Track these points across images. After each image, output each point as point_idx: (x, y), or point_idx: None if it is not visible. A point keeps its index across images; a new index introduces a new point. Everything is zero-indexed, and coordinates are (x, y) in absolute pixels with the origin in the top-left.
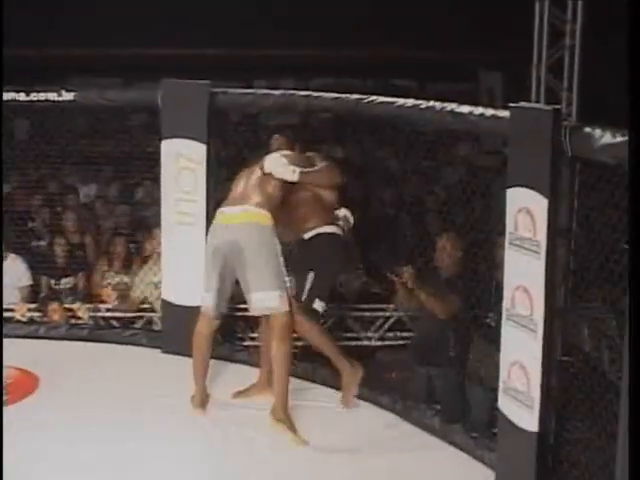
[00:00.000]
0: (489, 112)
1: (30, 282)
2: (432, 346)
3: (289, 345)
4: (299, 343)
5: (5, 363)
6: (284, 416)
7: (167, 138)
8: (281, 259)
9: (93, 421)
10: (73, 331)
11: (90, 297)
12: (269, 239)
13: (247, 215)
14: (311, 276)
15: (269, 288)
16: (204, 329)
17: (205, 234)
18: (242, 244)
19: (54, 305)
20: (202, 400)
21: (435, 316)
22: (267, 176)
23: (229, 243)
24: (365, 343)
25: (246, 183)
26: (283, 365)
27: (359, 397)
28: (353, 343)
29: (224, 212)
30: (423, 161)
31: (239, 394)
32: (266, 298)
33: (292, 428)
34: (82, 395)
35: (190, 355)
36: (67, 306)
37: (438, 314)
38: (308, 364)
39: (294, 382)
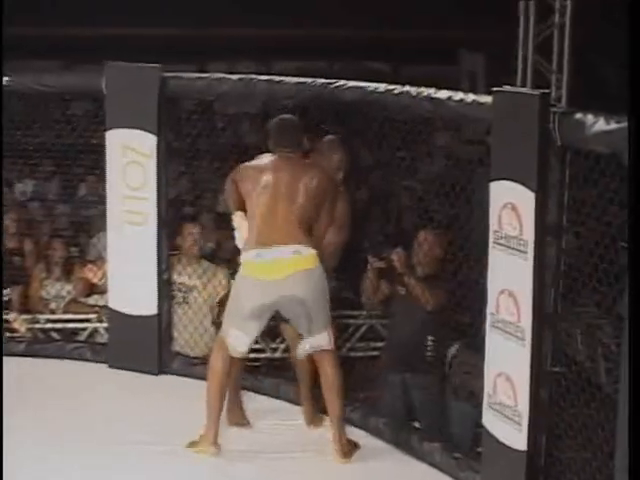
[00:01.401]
0: (470, 97)
1: None
2: (409, 347)
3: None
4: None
5: None
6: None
7: (112, 128)
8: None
9: (29, 456)
10: (8, 346)
11: (28, 307)
12: (323, 282)
13: (300, 261)
14: None
15: (321, 331)
16: (225, 366)
17: (157, 234)
18: (301, 296)
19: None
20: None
21: (413, 313)
22: (314, 193)
23: (284, 298)
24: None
25: (280, 210)
26: (341, 394)
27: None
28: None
29: (262, 258)
30: (397, 152)
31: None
32: (317, 341)
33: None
34: (16, 422)
35: (139, 370)
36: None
37: (426, 305)
38: (273, 379)
39: (260, 399)
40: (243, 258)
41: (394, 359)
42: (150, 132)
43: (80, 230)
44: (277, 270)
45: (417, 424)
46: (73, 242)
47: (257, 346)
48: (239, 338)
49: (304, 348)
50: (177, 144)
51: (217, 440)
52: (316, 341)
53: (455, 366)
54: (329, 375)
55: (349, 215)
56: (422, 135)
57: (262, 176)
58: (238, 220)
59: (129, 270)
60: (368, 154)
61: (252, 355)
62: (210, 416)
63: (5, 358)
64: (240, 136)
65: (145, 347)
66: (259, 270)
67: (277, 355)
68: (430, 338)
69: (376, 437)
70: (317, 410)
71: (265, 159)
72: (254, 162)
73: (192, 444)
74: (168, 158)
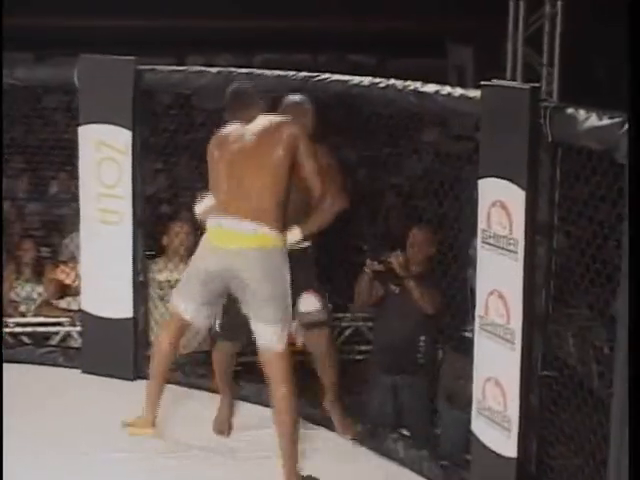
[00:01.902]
0: (458, 92)
1: None
2: (401, 349)
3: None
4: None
5: None
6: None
7: (86, 123)
8: (288, 287)
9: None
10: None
11: None
12: (280, 266)
13: (253, 239)
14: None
15: (268, 323)
16: (171, 346)
17: (132, 234)
18: (244, 276)
19: None
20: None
21: (405, 315)
22: (283, 170)
23: (227, 272)
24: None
25: (247, 177)
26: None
27: (310, 420)
28: (301, 358)
29: (222, 226)
30: (383, 148)
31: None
32: (261, 334)
33: None
34: None
35: (114, 375)
36: None
37: (425, 307)
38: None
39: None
40: (207, 225)
41: (384, 362)
42: (125, 127)
43: (52, 230)
44: (228, 240)
45: (405, 430)
46: (44, 242)
47: None
48: (182, 305)
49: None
50: (154, 140)
51: (154, 423)
52: (260, 334)
53: (444, 369)
54: (273, 393)
55: (344, 177)
56: (408, 131)
57: (227, 145)
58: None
59: (103, 271)
60: (352, 151)
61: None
62: (148, 397)
63: None
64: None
65: (120, 351)
66: (214, 236)
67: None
68: (422, 339)
69: (358, 443)
70: None
71: (231, 127)
72: (224, 132)
73: (129, 424)
74: (144, 154)
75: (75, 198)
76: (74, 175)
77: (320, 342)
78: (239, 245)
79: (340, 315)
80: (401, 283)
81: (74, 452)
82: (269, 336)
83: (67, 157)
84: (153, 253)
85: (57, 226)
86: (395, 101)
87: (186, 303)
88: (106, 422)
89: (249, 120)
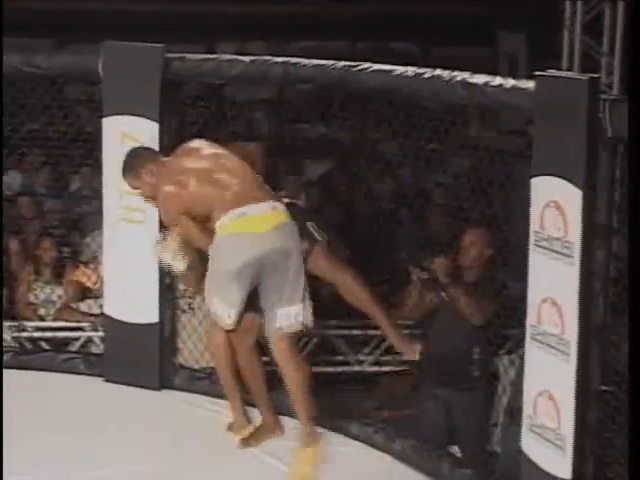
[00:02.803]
0: (510, 83)
1: None
2: (453, 362)
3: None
4: None
5: None
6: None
7: (109, 115)
8: None
9: None
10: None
11: (14, 313)
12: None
13: (279, 215)
14: None
15: (301, 300)
16: (226, 340)
17: (158, 234)
18: (287, 247)
19: None
20: (242, 426)
21: (458, 324)
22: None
23: (272, 251)
24: (356, 368)
25: (238, 172)
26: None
27: (347, 434)
28: (340, 368)
29: (246, 215)
30: (427, 144)
31: (246, 442)
32: (299, 312)
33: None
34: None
35: (138, 384)
36: None
37: (473, 319)
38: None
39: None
40: (221, 222)
41: (435, 375)
42: (151, 119)
43: (73, 228)
44: (262, 223)
45: (455, 449)
46: (65, 241)
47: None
48: (224, 309)
49: (284, 318)
50: (181, 133)
51: (248, 419)
52: (299, 312)
53: (505, 382)
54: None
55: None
56: (455, 125)
57: (200, 155)
58: (184, 221)
59: (127, 273)
60: (395, 146)
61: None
62: (232, 399)
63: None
64: (252, 124)
65: (145, 359)
66: (244, 225)
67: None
68: (477, 351)
69: (401, 462)
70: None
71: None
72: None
73: (229, 429)
74: (171, 148)
75: (98, 195)
76: (97, 170)
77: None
78: (271, 224)
79: None
80: (446, 291)
81: (92, 467)
82: (293, 316)
83: (90, 151)
84: None
85: (78, 224)
86: (441, 93)
87: (224, 308)
88: (129, 434)
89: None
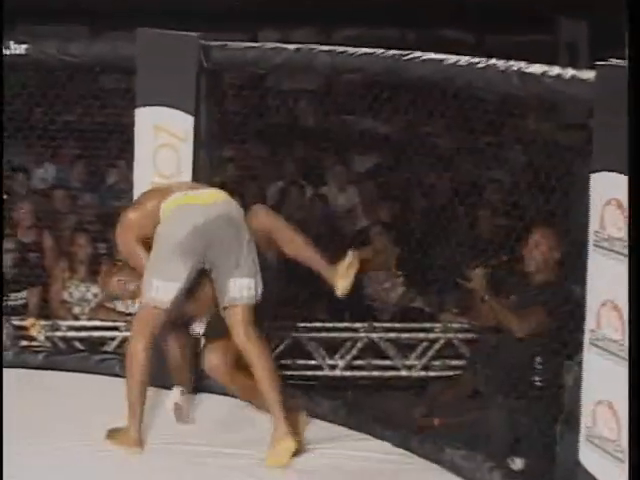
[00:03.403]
0: (569, 73)
1: None
2: (515, 370)
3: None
4: None
5: None
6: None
7: (143, 105)
8: None
9: None
10: (23, 356)
11: (47, 312)
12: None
13: (224, 193)
14: None
15: (254, 275)
16: (148, 352)
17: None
18: (237, 221)
19: None
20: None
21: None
22: None
23: (221, 218)
24: (403, 373)
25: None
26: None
27: (394, 443)
28: (388, 373)
29: (191, 193)
30: (482, 137)
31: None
32: (252, 286)
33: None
34: (33, 450)
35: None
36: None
37: (515, 331)
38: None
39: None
40: (166, 202)
41: (499, 383)
42: (186, 111)
43: (109, 224)
44: (207, 197)
45: (518, 461)
46: (101, 237)
47: (312, 362)
48: (162, 287)
49: (237, 290)
50: (222, 125)
51: (140, 438)
52: (252, 286)
53: (569, 389)
54: (250, 350)
55: None
56: (511, 117)
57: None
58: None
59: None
60: (447, 140)
61: (307, 372)
62: (130, 411)
63: (20, 371)
64: (296, 116)
65: None
66: (190, 198)
67: (337, 373)
68: (538, 360)
69: (450, 472)
70: None
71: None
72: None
73: (112, 434)
74: (209, 141)
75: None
76: (132, 164)
77: None
78: (215, 198)
79: (428, 326)
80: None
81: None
82: (246, 289)
83: (126, 143)
84: None
85: (115, 219)
86: (496, 83)
87: (162, 286)
88: (166, 439)
89: None
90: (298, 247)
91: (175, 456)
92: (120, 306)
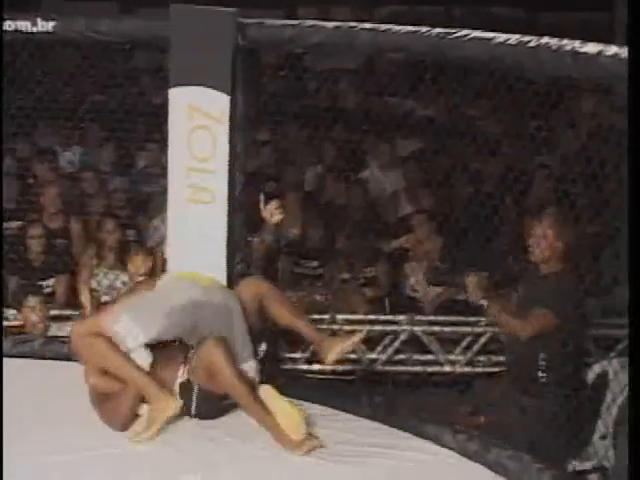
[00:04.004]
0: (626, 52)
1: None
2: (523, 367)
3: None
4: None
5: None
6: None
7: (176, 85)
8: None
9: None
10: (51, 347)
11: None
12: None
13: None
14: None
15: (246, 359)
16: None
17: (227, 216)
18: (230, 307)
19: (33, 301)
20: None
21: None
22: None
23: (216, 305)
24: (447, 369)
25: None
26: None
27: (437, 442)
28: (431, 369)
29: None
30: (532, 121)
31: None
32: (249, 370)
33: None
34: (60, 442)
35: None
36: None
37: (519, 334)
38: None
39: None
40: (167, 275)
41: (513, 381)
42: (222, 91)
43: (139, 209)
44: (206, 279)
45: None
46: (130, 223)
47: (352, 356)
48: (132, 330)
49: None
50: (258, 106)
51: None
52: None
53: (617, 391)
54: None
55: None
56: (564, 100)
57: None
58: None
59: (193, 259)
60: (494, 124)
61: (346, 367)
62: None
63: (47, 362)
64: (336, 97)
65: None
66: (190, 275)
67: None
68: (542, 357)
69: (497, 474)
70: None
71: None
72: None
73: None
74: (245, 123)
75: (166, 173)
76: (165, 147)
77: None
78: (210, 282)
79: (472, 319)
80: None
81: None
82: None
83: (158, 126)
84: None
85: (145, 205)
86: (548, 64)
87: (133, 329)
88: (195, 438)
89: None
90: (290, 318)
91: None
92: None
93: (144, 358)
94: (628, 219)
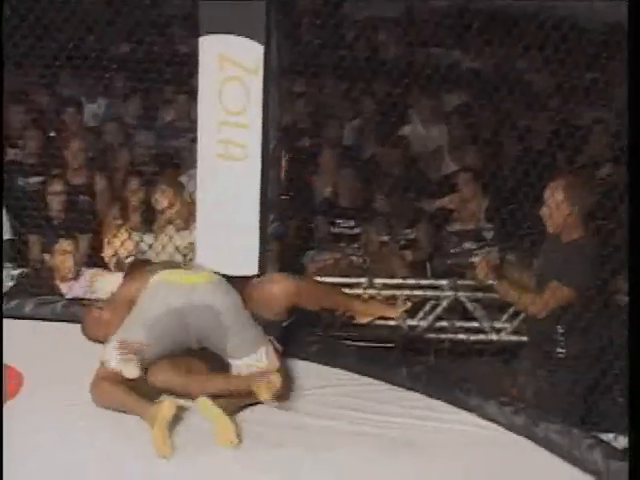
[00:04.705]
0: None
1: (12, 236)
2: (538, 341)
3: None
4: None
5: None
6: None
7: (207, 33)
8: None
9: (99, 441)
10: (73, 309)
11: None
12: (236, 294)
13: (216, 275)
14: None
15: (253, 350)
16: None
17: (261, 173)
18: (218, 306)
19: (65, 244)
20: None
21: None
22: None
23: (197, 307)
24: (492, 337)
25: None
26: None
27: (482, 415)
28: (474, 337)
29: (175, 270)
30: (586, 73)
31: None
32: (253, 361)
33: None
34: (84, 403)
35: None
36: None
37: (534, 313)
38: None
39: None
40: (153, 278)
41: (531, 355)
42: (256, 40)
43: (166, 165)
44: (188, 277)
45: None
46: (157, 181)
47: (390, 323)
48: (126, 363)
49: (240, 369)
50: (292, 57)
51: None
52: (252, 362)
53: None
54: None
55: None
56: (620, 50)
57: None
58: None
59: (223, 219)
60: (544, 76)
61: (385, 334)
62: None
63: (70, 325)
64: (376, 48)
65: None
66: (171, 275)
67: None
68: (560, 331)
69: (545, 449)
70: None
71: None
72: None
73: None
74: (280, 75)
75: (194, 127)
76: (193, 99)
77: None
78: (202, 281)
79: None
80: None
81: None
82: (262, 359)
83: (188, 76)
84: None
85: (172, 161)
86: (603, 12)
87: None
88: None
89: None
90: (327, 302)
91: None
92: (177, 257)
93: (131, 372)
94: (628, 218)
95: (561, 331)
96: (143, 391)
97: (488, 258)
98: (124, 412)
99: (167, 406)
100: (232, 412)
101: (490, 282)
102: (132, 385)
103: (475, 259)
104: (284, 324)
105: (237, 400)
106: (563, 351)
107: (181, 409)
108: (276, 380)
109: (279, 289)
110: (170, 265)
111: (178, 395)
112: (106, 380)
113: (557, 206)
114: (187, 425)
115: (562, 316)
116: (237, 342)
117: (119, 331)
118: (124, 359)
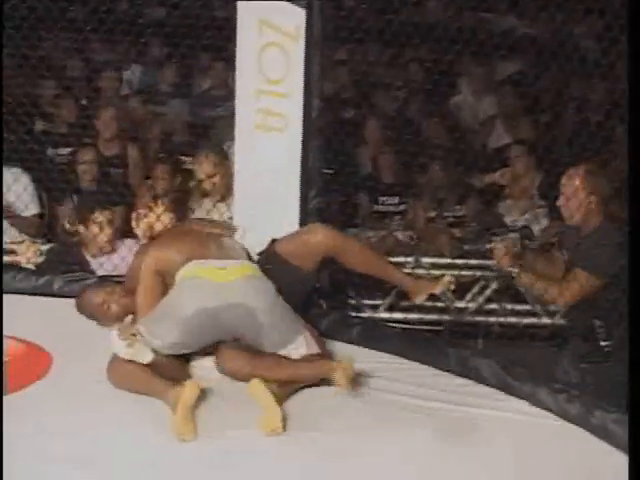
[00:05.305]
0: None
1: (40, 210)
2: (582, 337)
3: None
4: None
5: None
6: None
7: None
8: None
9: (126, 423)
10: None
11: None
12: (273, 289)
13: (248, 267)
14: None
15: (291, 340)
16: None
17: (302, 145)
18: (251, 305)
19: (101, 216)
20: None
21: None
22: None
23: (231, 306)
24: (545, 321)
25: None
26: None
27: (534, 402)
28: (526, 320)
29: (210, 264)
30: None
31: None
32: (293, 351)
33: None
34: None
35: None
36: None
37: (558, 302)
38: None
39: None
40: (183, 270)
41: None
42: (297, 4)
43: (202, 136)
44: (225, 273)
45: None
46: (191, 152)
47: (437, 304)
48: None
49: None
50: (336, 22)
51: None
52: (293, 351)
53: None
54: None
55: None
56: None
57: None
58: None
59: (262, 193)
60: (605, 43)
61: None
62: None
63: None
64: (424, 13)
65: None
66: (205, 272)
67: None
68: (598, 324)
69: (601, 439)
70: None
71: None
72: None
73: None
74: (322, 41)
75: (231, 96)
76: (231, 66)
77: None
78: (238, 276)
79: None
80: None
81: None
82: (302, 347)
83: (226, 42)
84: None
85: (208, 132)
86: None
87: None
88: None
89: None
90: (371, 264)
91: None
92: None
93: (144, 357)
94: (628, 218)
95: (599, 324)
96: (165, 372)
97: (507, 244)
98: (144, 394)
99: (190, 388)
100: (282, 399)
101: (510, 269)
102: (151, 366)
103: (494, 245)
104: (317, 285)
105: (289, 388)
106: (607, 344)
107: (203, 391)
108: (350, 366)
109: (322, 235)
110: (212, 226)
111: (243, 380)
112: (124, 362)
113: (575, 194)
114: (209, 406)
115: (595, 308)
116: (274, 336)
117: (142, 321)
118: (132, 346)
